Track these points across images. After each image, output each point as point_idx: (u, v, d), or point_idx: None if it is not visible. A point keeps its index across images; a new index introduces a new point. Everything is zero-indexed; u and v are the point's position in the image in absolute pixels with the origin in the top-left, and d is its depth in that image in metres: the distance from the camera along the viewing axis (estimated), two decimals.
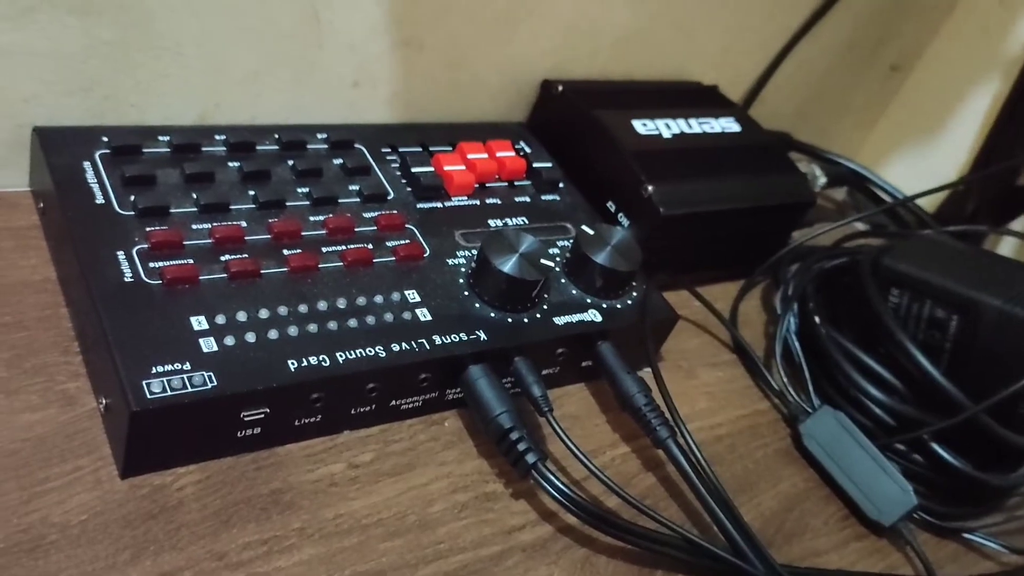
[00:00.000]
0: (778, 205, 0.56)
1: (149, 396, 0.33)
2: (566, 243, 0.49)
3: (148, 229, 0.39)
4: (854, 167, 0.68)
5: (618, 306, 0.47)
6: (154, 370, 0.34)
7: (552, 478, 0.39)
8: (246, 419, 0.36)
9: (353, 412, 0.40)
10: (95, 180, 0.41)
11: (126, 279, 0.37)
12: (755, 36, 0.65)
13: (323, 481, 0.38)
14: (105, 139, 0.42)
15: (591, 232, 0.47)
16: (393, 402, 0.41)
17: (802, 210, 0.58)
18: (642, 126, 0.55)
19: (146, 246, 0.39)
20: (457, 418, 0.43)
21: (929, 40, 0.76)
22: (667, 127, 0.56)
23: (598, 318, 0.46)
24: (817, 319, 0.52)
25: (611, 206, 0.53)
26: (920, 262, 0.52)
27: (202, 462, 0.37)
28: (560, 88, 0.56)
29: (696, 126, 0.57)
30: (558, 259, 0.48)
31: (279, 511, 0.37)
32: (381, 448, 0.41)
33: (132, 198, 0.40)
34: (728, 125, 0.59)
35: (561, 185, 0.53)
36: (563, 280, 0.47)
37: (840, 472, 0.48)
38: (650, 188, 0.51)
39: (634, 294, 0.48)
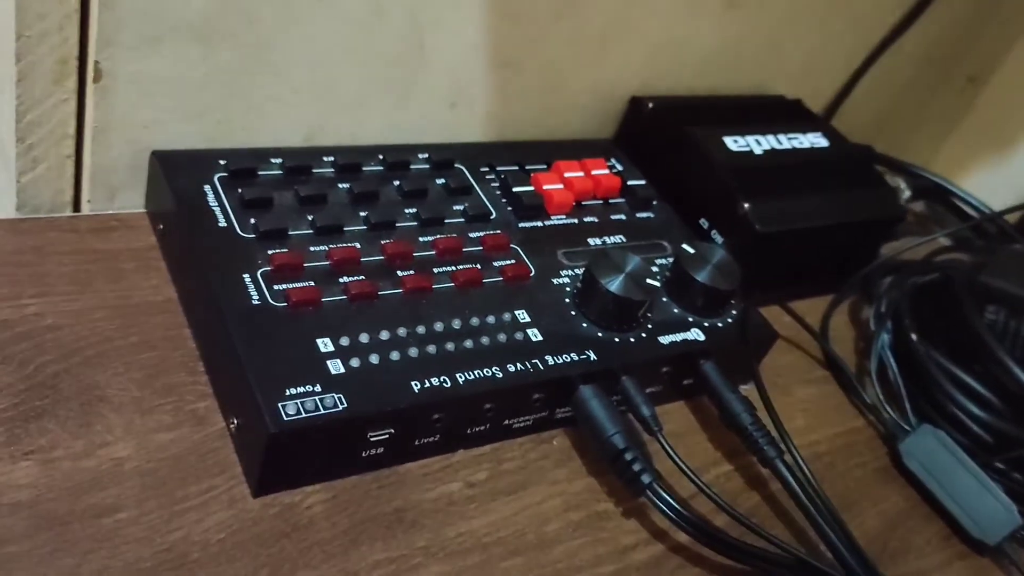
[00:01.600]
0: (870, 220, 0.56)
1: (285, 418, 0.34)
2: (664, 261, 0.50)
3: (270, 252, 0.40)
4: (936, 180, 0.68)
5: (719, 324, 0.47)
6: (288, 392, 0.35)
7: (667, 497, 0.39)
8: (372, 439, 0.37)
9: (469, 432, 0.41)
10: (216, 203, 0.41)
11: (254, 302, 0.38)
12: (836, 51, 0.65)
13: (442, 500, 0.39)
14: (222, 162, 0.43)
15: (691, 251, 0.47)
16: (506, 421, 0.41)
17: (892, 225, 0.58)
18: (733, 143, 0.55)
19: (269, 268, 0.40)
20: (565, 436, 0.44)
21: (1007, 51, 0.76)
22: (757, 143, 0.56)
23: (701, 337, 0.46)
24: (914, 336, 0.52)
25: (704, 223, 0.53)
26: (1017, 278, 0.52)
27: (328, 481, 0.38)
28: (651, 105, 0.56)
29: (785, 142, 0.57)
30: (658, 277, 0.48)
31: (403, 529, 0.37)
32: (494, 467, 0.41)
33: (252, 221, 0.41)
34: (816, 140, 0.59)
35: (655, 202, 0.53)
36: (664, 299, 0.47)
37: (942, 491, 0.48)
38: (746, 206, 0.51)
39: (733, 312, 0.48)
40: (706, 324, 0.47)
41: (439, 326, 0.40)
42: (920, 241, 0.60)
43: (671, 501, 0.39)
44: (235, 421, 0.37)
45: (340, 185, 0.45)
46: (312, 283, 0.40)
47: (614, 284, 0.43)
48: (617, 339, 0.44)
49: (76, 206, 0.44)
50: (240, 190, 0.42)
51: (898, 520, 0.47)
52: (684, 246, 0.48)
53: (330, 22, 0.44)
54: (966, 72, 0.75)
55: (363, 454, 0.38)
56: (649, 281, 0.44)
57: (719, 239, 0.52)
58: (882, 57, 0.67)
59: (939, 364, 0.51)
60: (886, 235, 0.59)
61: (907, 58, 0.69)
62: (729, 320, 0.48)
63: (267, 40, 0.43)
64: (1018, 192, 0.71)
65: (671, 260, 0.49)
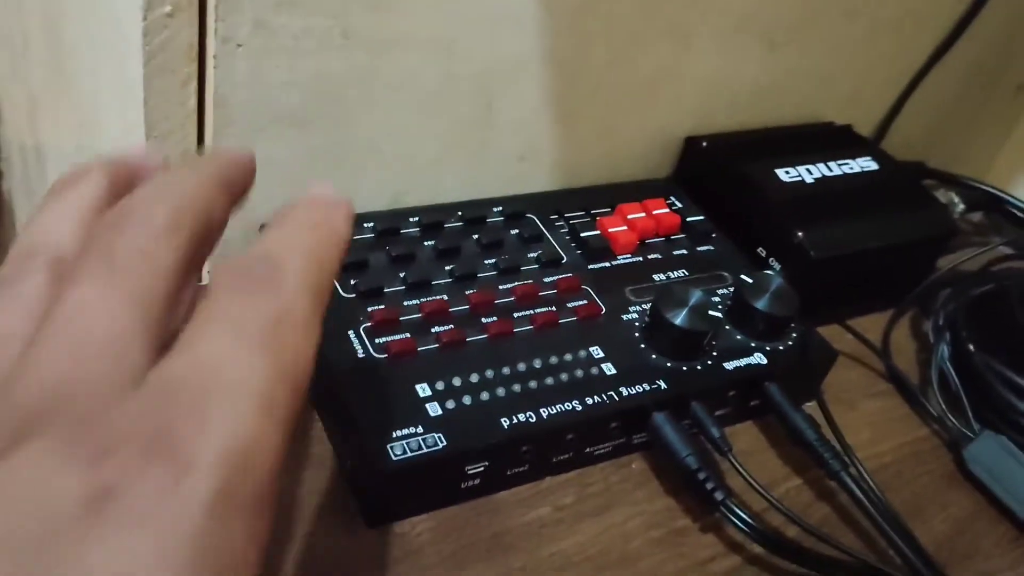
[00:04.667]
0: (922, 238, 0.59)
1: (394, 458, 0.39)
2: (725, 291, 0.53)
3: (369, 309, 0.45)
4: (989, 190, 0.70)
5: (780, 348, 0.50)
6: (394, 435, 0.40)
7: (740, 512, 0.43)
8: (469, 472, 0.42)
9: (554, 460, 0.45)
10: None
11: (359, 356, 0.43)
12: (883, 74, 0.68)
13: (534, 524, 0.43)
14: None
15: (750, 281, 0.51)
16: (587, 449, 0.46)
17: (945, 241, 0.61)
18: (785, 174, 0.58)
19: (370, 324, 0.45)
20: (642, 460, 0.48)
21: None
22: (808, 172, 0.59)
23: (763, 361, 0.49)
24: (971, 347, 0.55)
25: (762, 252, 0.57)
26: None
27: (432, 511, 0.42)
28: (704, 144, 0.60)
29: (836, 168, 0.60)
30: (720, 307, 0.52)
31: (502, 552, 0.42)
32: (579, 491, 0.45)
33: (352, 282, 0.46)
34: (866, 164, 0.62)
35: (714, 235, 0.57)
36: (727, 327, 0.51)
37: (1006, 494, 0.50)
38: (800, 234, 0.54)
39: (794, 335, 0.51)
40: (768, 348, 0.50)
41: (522, 366, 0.45)
42: (976, 252, 0.63)
43: (744, 516, 0.43)
44: (349, 463, 0.42)
45: (425, 243, 0.50)
46: (408, 335, 0.45)
47: (679, 317, 0.47)
48: (685, 368, 0.48)
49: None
50: None
51: (966, 524, 0.50)
52: (743, 276, 0.51)
53: (408, 97, 0.49)
54: (1016, 81, 0.77)
55: (462, 485, 0.42)
56: (712, 312, 0.48)
57: (777, 266, 0.56)
58: (930, 74, 0.69)
59: (998, 373, 0.53)
60: (939, 250, 0.62)
61: (955, 72, 0.71)
62: (790, 343, 0.51)
63: (354, 118, 0.48)
64: None
65: (732, 290, 0.53)
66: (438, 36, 0.47)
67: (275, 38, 0.43)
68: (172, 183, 0.25)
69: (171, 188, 0.25)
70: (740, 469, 0.45)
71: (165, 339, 0.22)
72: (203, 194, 0.25)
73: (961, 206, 0.67)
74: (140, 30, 0.40)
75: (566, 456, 0.45)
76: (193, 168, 0.27)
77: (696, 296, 0.48)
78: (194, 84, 0.43)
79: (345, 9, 0.43)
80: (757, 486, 0.45)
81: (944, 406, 0.54)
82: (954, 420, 0.54)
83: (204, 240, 0.25)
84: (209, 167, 0.27)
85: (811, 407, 0.51)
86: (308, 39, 0.44)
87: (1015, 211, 0.69)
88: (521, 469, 0.44)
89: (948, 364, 0.56)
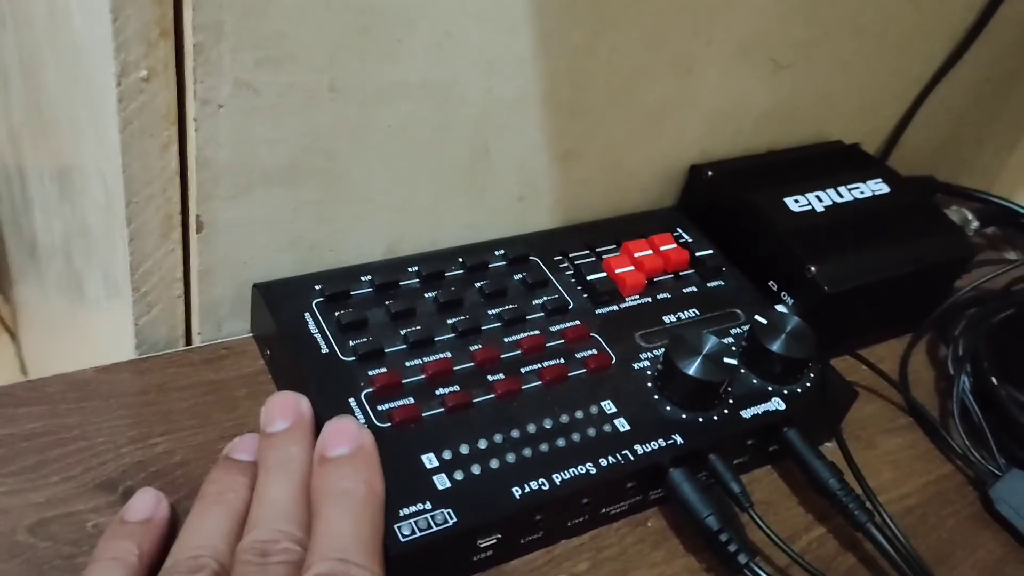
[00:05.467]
0: (938, 263, 0.57)
1: (402, 539, 0.37)
2: (739, 330, 0.51)
3: (370, 373, 0.43)
4: (1004, 203, 0.68)
5: (798, 390, 0.49)
6: (401, 513, 0.38)
7: (763, 574, 0.41)
8: (481, 546, 0.40)
9: (568, 524, 0.43)
10: (317, 330, 0.45)
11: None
12: (890, 90, 0.66)
13: None
14: (318, 287, 0.47)
15: (764, 321, 0.49)
16: (603, 510, 0.44)
17: (962, 264, 0.59)
18: (795, 203, 0.56)
19: (371, 390, 0.43)
20: (659, 516, 0.46)
21: None
22: (818, 200, 0.57)
23: (782, 406, 0.47)
24: (994, 379, 0.53)
25: (773, 285, 0.55)
26: None
27: None
28: (710, 173, 0.58)
29: (846, 194, 0.58)
30: (734, 349, 0.50)
31: None
32: (594, 555, 0.43)
33: (351, 343, 0.44)
34: (877, 187, 0.60)
35: (724, 269, 0.55)
36: (743, 371, 0.49)
37: None
38: (813, 269, 0.52)
39: (811, 375, 0.49)
40: (785, 392, 0.48)
41: (532, 428, 0.43)
42: (996, 272, 0.61)
43: None
44: None
45: (426, 295, 0.48)
46: (412, 399, 0.43)
47: (692, 367, 0.45)
48: (701, 419, 0.46)
49: (188, 339, 0.48)
50: (337, 314, 0.45)
51: (995, 568, 0.48)
52: (757, 317, 0.49)
53: (401, 146, 0.47)
54: None
55: (473, 559, 0.40)
56: (727, 360, 0.46)
57: (789, 300, 0.54)
58: (938, 87, 0.67)
59: (1022, 406, 0.51)
60: (956, 273, 0.60)
61: (964, 84, 0.69)
62: (808, 384, 0.49)
63: (345, 171, 0.46)
64: None
65: (745, 328, 0.51)
66: (432, 83, 0.45)
67: (258, 97, 0.40)
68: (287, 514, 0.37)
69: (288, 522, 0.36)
70: (761, 524, 0.43)
71: None
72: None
73: (975, 223, 0.65)
74: (115, 96, 0.38)
75: (581, 519, 0.43)
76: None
77: (710, 342, 0.46)
78: (175, 147, 0.41)
79: (332, 63, 0.41)
80: (780, 542, 0.43)
81: (967, 441, 0.53)
82: (978, 456, 0.52)
83: None
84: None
85: (830, 447, 0.49)
86: (293, 96, 0.41)
87: None
88: (534, 537, 0.42)
89: (970, 397, 0.54)
